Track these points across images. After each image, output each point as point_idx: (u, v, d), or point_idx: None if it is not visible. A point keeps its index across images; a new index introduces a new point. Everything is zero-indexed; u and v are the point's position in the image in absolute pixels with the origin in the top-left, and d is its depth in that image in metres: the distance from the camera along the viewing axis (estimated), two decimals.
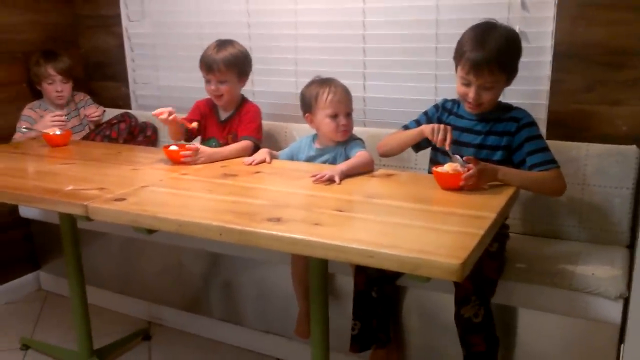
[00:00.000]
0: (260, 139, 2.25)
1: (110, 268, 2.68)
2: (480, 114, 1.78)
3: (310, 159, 2.01)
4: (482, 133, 1.77)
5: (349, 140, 1.95)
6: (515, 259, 1.81)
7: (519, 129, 1.73)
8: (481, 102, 1.73)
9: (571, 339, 1.75)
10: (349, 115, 1.93)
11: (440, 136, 1.70)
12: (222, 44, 2.22)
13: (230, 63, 2.19)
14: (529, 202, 2.02)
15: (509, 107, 1.78)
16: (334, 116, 1.91)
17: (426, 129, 1.75)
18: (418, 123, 1.88)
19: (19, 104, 2.67)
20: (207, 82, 2.22)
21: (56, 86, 2.68)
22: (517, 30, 2.02)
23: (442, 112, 1.88)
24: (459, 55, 1.72)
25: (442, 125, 1.72)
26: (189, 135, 2.27)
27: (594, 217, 1.97)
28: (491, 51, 1.65)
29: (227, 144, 2.23)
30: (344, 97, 1.93)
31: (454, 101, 1.88)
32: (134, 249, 2.57)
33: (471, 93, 1.71)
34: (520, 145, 1.72)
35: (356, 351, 1.89)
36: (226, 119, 2.29)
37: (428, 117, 1.90)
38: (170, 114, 2.06)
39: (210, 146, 2.26)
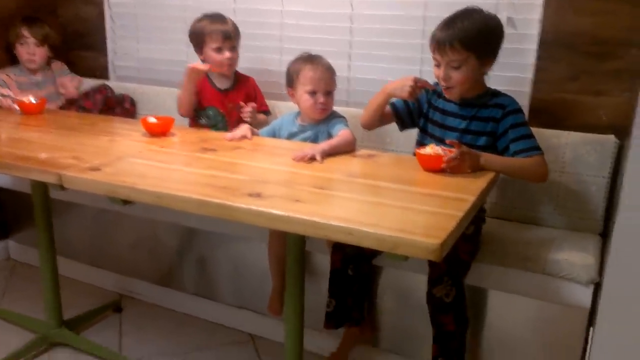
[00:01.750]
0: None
1: (82, 239, 2.64)
2: (466, 99, 1.77)
3: (292, 135, 1.99)
4: (467, 118, 1.76)
5: (331, 118, 1.94)
6: (490, 242, 1.83)
7: (504, 115, 1.72)
8: (452, 85, 1.71)
9: (541, 322, 1.79)
10: (329, 93, 1.91)
11: (408, 90, 1.73)
12: (219, 15, 2.28)
13: (238, 30, 2.29)
14: (506, 187, 2.03)
15: (495, 94, 1.78)
16: (313, 93, 1.89)
17: (389, 86, 1.78)
18: (406, 103, 1.88)
19: None
20: (218, 50, 2.22)
21: (28, 48, 2.58)
22: (505, 17, 2.03)
23: (432, 93, 1.86)
24: (430, 38, 1.73)
25: (409, 78, 1.74)
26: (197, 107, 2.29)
27: (570, 204, 1.99)
28: (455, 29, 1.65)
29: (227, 113, 2.27)
30: (325, 74, 1.91)
31: None
32: (107, 221, 2.54)
33: (441, 73, 1.71)
34: (504, 131, 1.72)
35: (330, 328, 1.90)
36: (225, 89, 2.31)
37: (416, 99, 1.88)
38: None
39: (207, 115, 2.29)
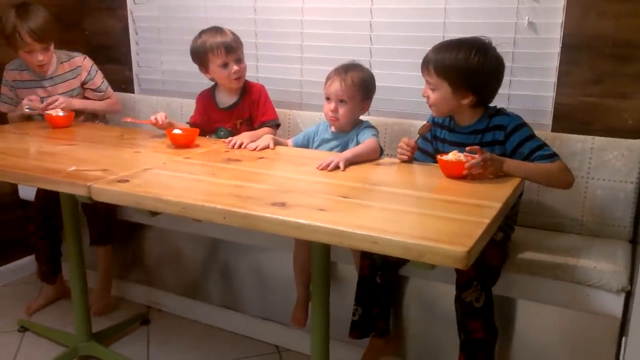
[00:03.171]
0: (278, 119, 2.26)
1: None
2: (467, 127, 1.76)
3: (322, 142, 2.01)
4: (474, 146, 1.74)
5: (362, 127, 1.94)
6: (517, 250, 1.80)
7: (507, 136, 1.70)
8: (429, 103, 1.75)
9: (571, 332, 1.76)
10: (341, 102, 1.91)
11: (403, 158, 1.77)
12: (216, 28, 2.19)
13: (239, 40, 2.20)
14: (531, 193, 2.01)
15: (493, 114, 1.74)
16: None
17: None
18: (418, 147, 1.85)
19: None
20: (225, 66, 2.14)
21: (37, 56, 2.34)
22: (526, 21, 2.02)
23: (434, 129, 1.86)
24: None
25: (401, 144, 1.78)
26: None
27: (598, 210, 1.96)
28: (438, 55, 1.69)
29: (236, 130, 2.20)
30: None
31: None
32: (134, 233, 2.56)
33: (424, 89, 1.76)
34: (514, 150, 1.69)
35: (355, 337, 1.89)
36: (231, 105, 2.24)
37: (425, 138, 1.88)
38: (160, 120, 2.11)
39: (219, 136, 2.23)
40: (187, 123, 2.28)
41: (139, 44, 2.94)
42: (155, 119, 2.12)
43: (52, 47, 2.39)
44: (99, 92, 2.57)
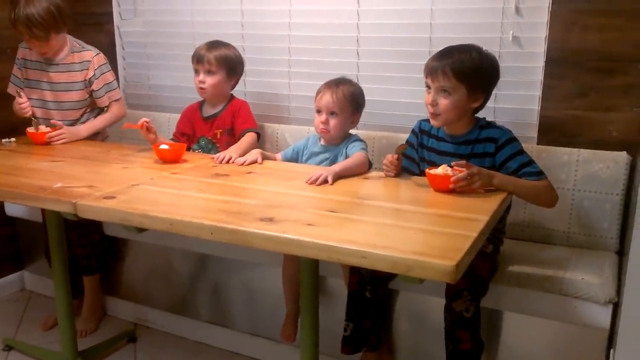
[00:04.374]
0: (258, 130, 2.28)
1: None
2: (458, 137, 1.77)
3: (311, 155, 2.02)
4: (464, 157, 1.73)
5: (351, 140, 1.96)
6: (505, 263, 1.81)
7: (497, 149, 1.71)
8: (438, 112, 1.71)
9: (559, 344, 1.76)
10: (332, 114, 1.94)
11: (390, 175, 1.77)
12: (216, 42, 2.26)
13: (220, 58, 2.21)
14: (519, 206, 2.02)
15: (484, 126, 1.76)
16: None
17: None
18: (405, 154, 1.85)
19: (6, 102, 2.59)
20: (196, 72, 2.23)
21: (40, 46, 2.29)
22: (510, 36, 2.05)
23: (421, 136, 1.87)
24: (425, 64, 1.75)
25: (385, 162, 1.78)
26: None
27: (585, 222, 1.97)
28: (452, 58, 1.68)
29: (216, 139, 2.25)
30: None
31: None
32: (121, 249, 2.54)
33: (429, 98, 1.72)
34: (503, 163, 1.70)
35: (347, 353, 1.87)
36: (212, 115, 2.29)
37: (411, 145, 1.89)
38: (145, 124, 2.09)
39: (200, 145, 2.27)
40: (172, 139, 2.29)
41: (125, 59, 2.94)
42: (144, 122, 2.10)
43: (53, 37, 2.27)
44: (96, 97, 2.43)
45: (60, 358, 2.16)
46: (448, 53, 1.71)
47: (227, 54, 2.23)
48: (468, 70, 1.67)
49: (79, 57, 2.41)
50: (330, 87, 1.95)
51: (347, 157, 1.90)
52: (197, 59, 2.21)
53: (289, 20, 2.46)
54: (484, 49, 1.73)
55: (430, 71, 1.71)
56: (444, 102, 1.70)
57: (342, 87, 1.95)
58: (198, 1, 2.65)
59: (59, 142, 2.30)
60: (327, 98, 1.93)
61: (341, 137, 1.98)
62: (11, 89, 2.47)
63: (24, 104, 2.37)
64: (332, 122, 1.93)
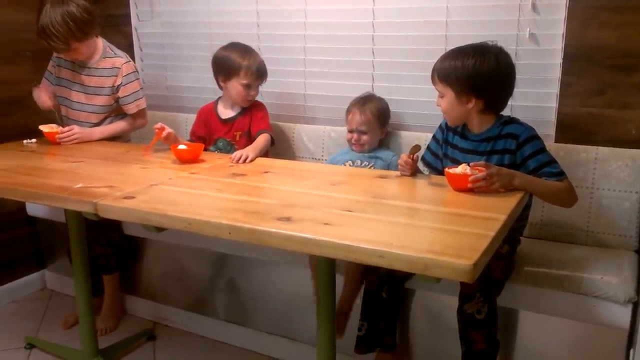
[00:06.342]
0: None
1: None
2: (478, 134, 1.77)
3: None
4: (485, 153, 1.74)
5: (383, 150, 2.21)
6: (523, 262, 1.80)
7: (519, 146, 1.70)
8: (443, 111, 1.77)
9: (578, 344, 1.75)
10: (363, 133, 2.17)
11: (405, 174, 1.77)
12: (250, 50, 2.28)
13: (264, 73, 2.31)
14: (537, 205, 2.01)
15: (507, 122, 1.75)
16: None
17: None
18: (430, 149, 1.91)
19: (26, 103, 2.62)
20: (247, 87, 2.23)
21: (67, 53, 2.31)
22: (527, 33, 2.03)
23: (447, 132, 1.87)
24: None
25: (400, 162, 1.78)
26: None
27: (603, 220, 1.96)
28: (443, 63, 1.72)
29: (235, 141, 2.27)
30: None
31: None
32: (139, 249, 2.57)
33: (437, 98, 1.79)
34: (523, 161, 1.69)
35: (361, 352, 1.88)
36: (231, 117, 2.31)
37: (436, 140, 1.90)
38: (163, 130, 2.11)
39: (218, 147, 2.29)
40: (189, 140, 2.30)
41: (143, 61, 2.97)
42: (160, 127, 2.11)
43: (77, 45, 2.25)
44: (122, 103, 2.43)
45: (81, 356, 2.19)
46: (442, 59, 1.75)
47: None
48: (448, 74, 1.71)
49: (110, 62, 2.41)
50: (358, 107, 2.15)
51: (387, 165, 2.14)
52: (259, 74, 2.23)
53: (304, 20, 2.47)
54: (493, 51, 1.70)
55: (431, 76, 1.77)
56: (441, 103, 1.76)
57: (369, 105, 2.15)
58: (214, 2, 2.67)
59: (69, 142, 2.32)
60: (357, 119, 2.15)
61: (374, 147, 2.21)
62: (44, 84, 2.51)
63: (43, 96, 2.38)
64: (364, 138, 2.16)
